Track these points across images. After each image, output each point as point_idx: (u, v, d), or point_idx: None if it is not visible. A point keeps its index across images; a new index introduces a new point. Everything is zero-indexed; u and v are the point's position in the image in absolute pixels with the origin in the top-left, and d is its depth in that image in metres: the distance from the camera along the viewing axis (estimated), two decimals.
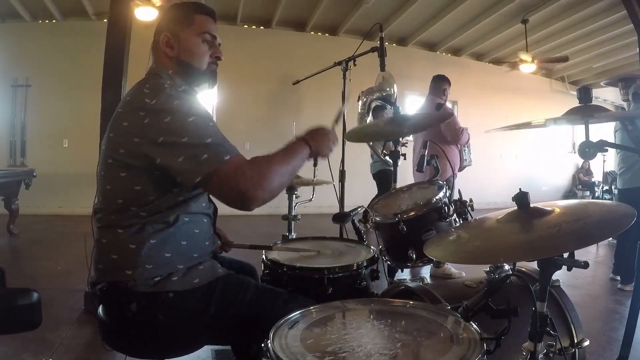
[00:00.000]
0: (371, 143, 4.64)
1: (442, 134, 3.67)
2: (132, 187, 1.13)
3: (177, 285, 1.15)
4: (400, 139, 2.10)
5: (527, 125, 1.23)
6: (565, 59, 6.95)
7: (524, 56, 6.83)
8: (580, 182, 9.64)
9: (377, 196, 5.30)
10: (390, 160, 5.32)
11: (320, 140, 1.24)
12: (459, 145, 3.80)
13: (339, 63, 2.75)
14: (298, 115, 6.69)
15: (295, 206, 2.33)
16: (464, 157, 3.87)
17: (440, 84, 3.92)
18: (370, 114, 4.74)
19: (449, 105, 4.01)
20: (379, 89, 4.69)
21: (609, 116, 1.11)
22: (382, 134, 2.20)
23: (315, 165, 1.36)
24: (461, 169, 3.92)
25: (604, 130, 2.66)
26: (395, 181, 2.17)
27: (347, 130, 2.18)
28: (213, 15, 1.31)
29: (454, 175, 3.69)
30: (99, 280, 1.18)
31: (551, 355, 0.93)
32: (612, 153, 4.17)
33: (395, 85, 4.43)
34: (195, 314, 1.16)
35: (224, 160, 1.05)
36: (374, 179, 5.34)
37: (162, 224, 1.16)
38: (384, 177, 5.18)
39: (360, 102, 4.80)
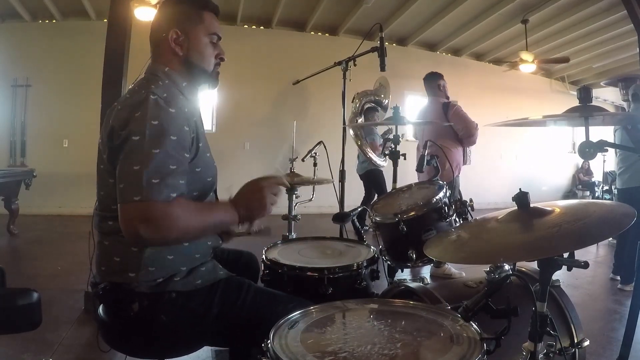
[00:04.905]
0: (359, 143, 4.64)
1: (447, 131, 3.47)
2: None
3: (180, 285, 1.15)
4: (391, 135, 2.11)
5: (524, 120, 1.24)
6: (566, 60, 6.93)
7: (524, 56, 6.82)
8: (580, 182, 9.62)
9: (366, 197, 5.31)
10: (377, 161, 5.32)
11: (253, 206, 1.19)
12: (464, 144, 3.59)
13: (339, 63, 2.75)
14: (298, 115, 6.67)
15: (295, 206, 2.33)
16: (467, 156, 3.67)
17: (433, 82, 3.72)
18: (362, 114, 4.75)
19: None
20: (373, 93, 4.72)
21: (608, 115, 1.11)
22: None
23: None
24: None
25: (604, 130, 2.67)
26: (395, 181, 2.17)
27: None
28: (218, 12, 1.30)
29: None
30: (101, 280, 1.18)
31: (551, 355, 0.93)
32: (611, 153, 4.17)
33: (389, 96, 4.41)
34: (197, 316, 1.16)
35: (131, 199, 1.00)
36: (361, 179, 5.32)
37: None
38: (374, 177, 5.19)
39: (353, 103, 4.83)
